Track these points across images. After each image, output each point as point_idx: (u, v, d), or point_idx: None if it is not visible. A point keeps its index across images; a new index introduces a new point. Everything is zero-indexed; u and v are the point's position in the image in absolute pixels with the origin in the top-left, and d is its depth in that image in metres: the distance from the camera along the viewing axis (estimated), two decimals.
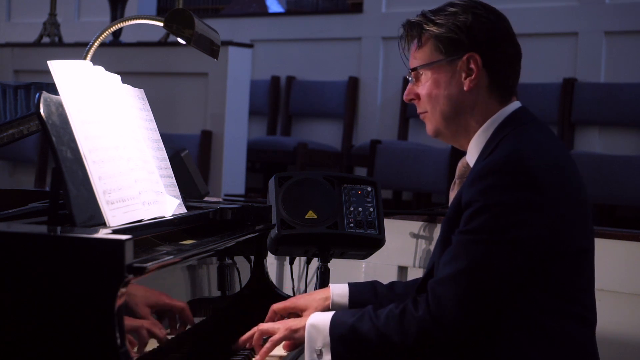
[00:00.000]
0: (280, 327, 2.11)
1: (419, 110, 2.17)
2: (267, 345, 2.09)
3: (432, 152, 6.07)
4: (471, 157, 2.12)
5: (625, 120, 6.16)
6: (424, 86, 2.12)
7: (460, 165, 2.27)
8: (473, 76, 2.08)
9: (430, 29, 2.10)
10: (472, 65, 2.07)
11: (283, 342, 2.12)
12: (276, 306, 2.25)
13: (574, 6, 6.47)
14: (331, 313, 2.09)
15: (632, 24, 6.26)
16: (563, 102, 6.31)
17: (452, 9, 2.10)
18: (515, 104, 2.11)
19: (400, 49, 2.18)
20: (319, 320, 2.07)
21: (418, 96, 2.15)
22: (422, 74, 2.13)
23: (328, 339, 2.04)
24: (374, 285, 2.31)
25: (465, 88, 2.08)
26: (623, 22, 6.29)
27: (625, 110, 6.09)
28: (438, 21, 2.09)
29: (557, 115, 6.32)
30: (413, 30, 2.14)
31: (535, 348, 1.95)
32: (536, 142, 2.00)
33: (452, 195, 2.23)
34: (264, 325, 2.13)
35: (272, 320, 2.22)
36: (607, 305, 3.14)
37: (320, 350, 2.05)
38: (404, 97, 2.18)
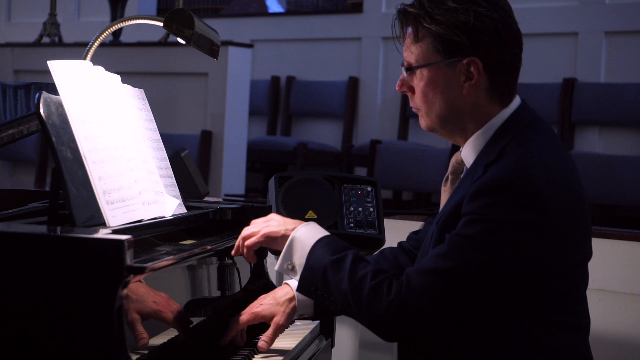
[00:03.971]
0: (258, 231, 2.10)
1: (411, 104, 2.06)
2: (247, 254, 2.11)
3: (432, 152, 6.06)
4: (467, 155, 2.03)
5: (625, 120, 6.16)
6: (419, 84, 2.00)
7: (453, 160, 2.16)
8: (473, 81, 1.95)
9: (428, 26, 1.95)
10: (473, 70, 1.95)
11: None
12: (242, 319, 2.12)
13: (574, 6, 6.48)
14: (317, 237, 2.03)
15: (632, 24, 6.27)
16: (563, 102, 6.31)
17: (453, 4, 1.93)
18: (515, 103, 2.01)
19: (393, 34, 2.05)
20: (305, 237, 2.03)
21: (412, 89, 2.03)
22: (417, 69, 2.01)
23: (304, 260, 2.00)
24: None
25: (464, 92, 1.96)
26: (623, 22, 6.29)
27: (625, 110, 6.09)
28: (437, 17, 1.94)
29: (557, 115, 6.32)
30: (409, 21, 1.99)
31: (529, 358, 1.91)
32: (540, 156, 1.91)
33: (444, 191, 2.16)
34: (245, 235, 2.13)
35: (237, 334, 2.12)
36: (607, 305, 3.13)
37: (293, 266, 2.03)
38: (396, 87, 2.06)
